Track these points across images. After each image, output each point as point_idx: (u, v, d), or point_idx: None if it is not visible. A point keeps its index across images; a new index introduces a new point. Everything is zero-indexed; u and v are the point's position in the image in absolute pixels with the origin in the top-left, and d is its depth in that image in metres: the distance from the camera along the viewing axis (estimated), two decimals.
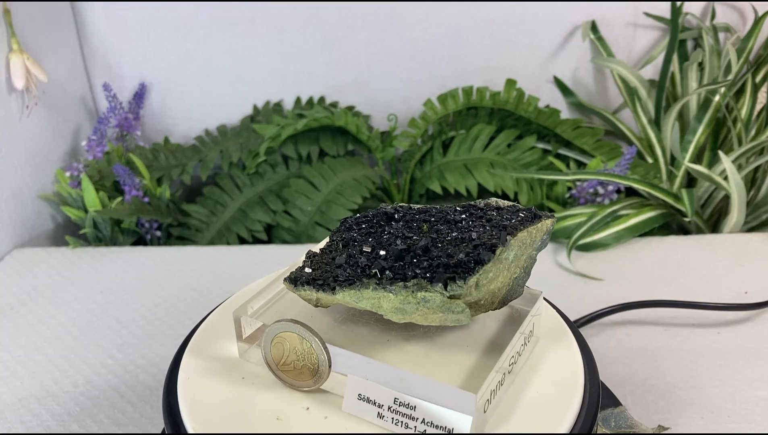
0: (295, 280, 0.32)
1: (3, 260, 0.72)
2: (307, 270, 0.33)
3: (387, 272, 0.30)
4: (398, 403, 0.30)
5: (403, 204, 0.36)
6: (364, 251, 0.32)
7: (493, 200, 0.34)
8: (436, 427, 0.29)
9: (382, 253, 0.31)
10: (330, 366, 0.32)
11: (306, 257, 0.34)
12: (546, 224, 0.32)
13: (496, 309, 0.32)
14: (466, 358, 0.33)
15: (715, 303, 0.57)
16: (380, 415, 0.30)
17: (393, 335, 0.34)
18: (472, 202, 0.34)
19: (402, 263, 0.30)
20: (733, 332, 0.55)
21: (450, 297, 0.29)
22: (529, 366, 0.34)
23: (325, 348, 0.31)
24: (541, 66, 0.92)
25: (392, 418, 0.30)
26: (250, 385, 0.33)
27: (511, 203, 0.34)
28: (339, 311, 0.36)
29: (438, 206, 0.35)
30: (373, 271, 0.30)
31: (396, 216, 0.34)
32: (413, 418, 0.29)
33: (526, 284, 0.34)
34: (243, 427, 0.31)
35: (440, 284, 0.29)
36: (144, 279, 0.67)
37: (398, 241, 0.32)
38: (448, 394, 0.29)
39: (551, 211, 0.78)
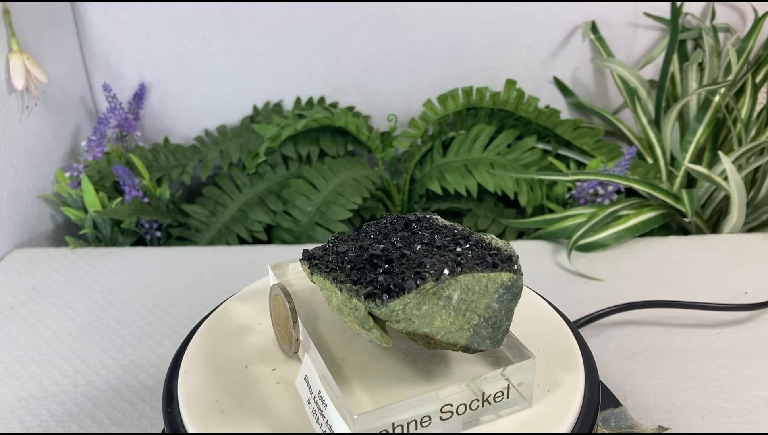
0: (303, 253, 0.34)
1: (3, 260, 0.72)
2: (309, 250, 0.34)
3: (354, 271, 0.30)
4: (320, 397, 0.30)
5: (437, 218, 0.35)
6: (361, 247, 0.32)
7: (488, 237, 0.32)
8: (329, 433, 0.29)
9: (365, 253, 0.32)
10: (298, 339, 0.34)
11: (331, 237, 0.35)
12: (501, 277, 0.29)
13: (464, 352, 0.31)
14: (418, 385, 0.30)
15: (715, 303, 0.57)
16: (309, 401, 0.31)
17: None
18: (469, 234, 0.33)
19: (370, 267, 0.30)
20: (733, 332, 0.55)
21: (369, 313, 0.29)
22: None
23: (295, 322, 0.33)
24: (541, 66, 0.92)
25: (312, 409, 0.31)
26: (258, 333, 0.37)
27: (499, 245, 0.31)
28: None
29: (459, 227, 0.34)
30: (347, 266, 0.31)
31: (412, 224, 0.34)
32: (323, 415, 0.30)
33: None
34: (213, 362, 0.35)
35: (362, 297, 0.29)
36: (144, 279, 0.67)
37: (378, 247, 0.32)
38: (343, 406, 0.29)
39: (551, 211, 0.78)
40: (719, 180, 0.71)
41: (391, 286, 0.28)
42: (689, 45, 0.89)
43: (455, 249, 0.31)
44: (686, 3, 0.87)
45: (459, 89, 0.87)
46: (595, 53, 0.91)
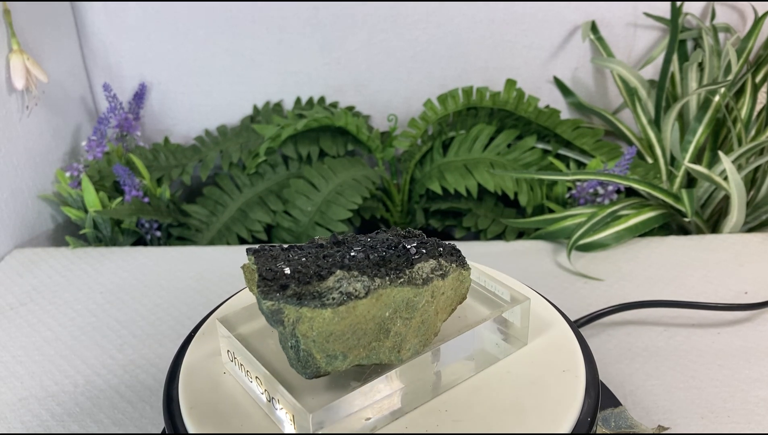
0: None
1: (3, 260, 0.72)
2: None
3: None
4: None
5: (441, 248, 0.33)
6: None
7: (358, 284, 0.30)
8: None
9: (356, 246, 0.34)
10: None
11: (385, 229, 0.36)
12: (291, 313, 0.29)
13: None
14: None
15: (715, 303, 0.57)
16: None
17: None
18: (362, 274, 0.31)
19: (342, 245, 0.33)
20: (733, 332, 0.55)
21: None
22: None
23: None
24: (541, 66, 0.92)
25: None
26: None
27: (348, 290, 0.29)
28: None
29: (414, 269, 0.32)
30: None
31: (412, 244, 0.33)
32: None
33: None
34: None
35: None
36: (144, 279, 0.67)
37: (364, 243, 0.33)
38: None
39: (551, 211, 0.78)
40: (719, 180, 0.71)
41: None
42: (689, 45, 0.89)
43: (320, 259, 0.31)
44: (686, 3, 0.87)
45: (459, 89, 0.87)
46: (595, 53, 0.91)
